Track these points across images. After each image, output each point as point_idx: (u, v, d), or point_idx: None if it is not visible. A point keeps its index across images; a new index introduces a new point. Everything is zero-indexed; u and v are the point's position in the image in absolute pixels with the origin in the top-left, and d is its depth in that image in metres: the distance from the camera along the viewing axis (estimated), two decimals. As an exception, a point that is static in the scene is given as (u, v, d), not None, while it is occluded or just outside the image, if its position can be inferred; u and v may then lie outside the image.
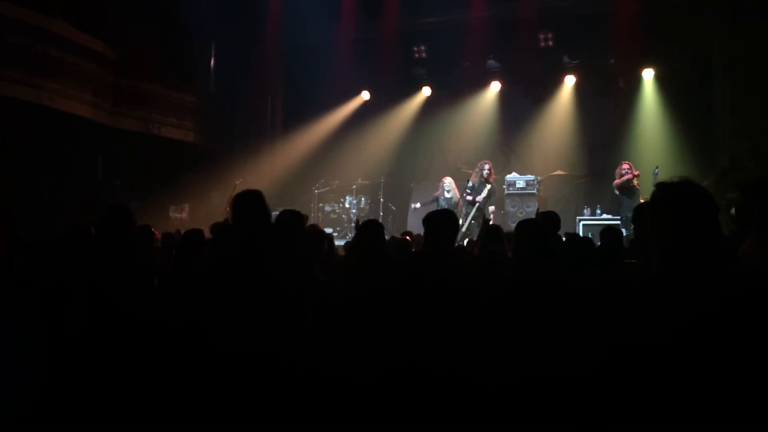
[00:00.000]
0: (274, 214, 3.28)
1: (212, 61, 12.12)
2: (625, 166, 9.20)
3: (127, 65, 10.38)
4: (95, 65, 9.74)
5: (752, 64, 9.12)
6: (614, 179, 9.39)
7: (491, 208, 9.68)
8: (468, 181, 9.72)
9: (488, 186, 9.59)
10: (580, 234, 9.11)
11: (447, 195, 9.82)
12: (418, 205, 10.28)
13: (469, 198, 9.57)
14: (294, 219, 3.57)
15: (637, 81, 10.60)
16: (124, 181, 10.40)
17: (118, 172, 10.43)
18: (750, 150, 9.05)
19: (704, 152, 9.53)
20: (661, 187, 2.12)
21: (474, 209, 9.43)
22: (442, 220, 3.32)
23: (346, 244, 6.37)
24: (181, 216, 10.12)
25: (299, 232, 3.62)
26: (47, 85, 8.86)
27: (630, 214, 6.87)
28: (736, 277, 1.98)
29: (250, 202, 3.01)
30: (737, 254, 2.57)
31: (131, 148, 10.44)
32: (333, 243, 5.04)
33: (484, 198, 9.51)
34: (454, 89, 12.11)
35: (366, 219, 4.49)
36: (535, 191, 10.34)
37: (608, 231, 4.50)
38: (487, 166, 9.77)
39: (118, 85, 10.37)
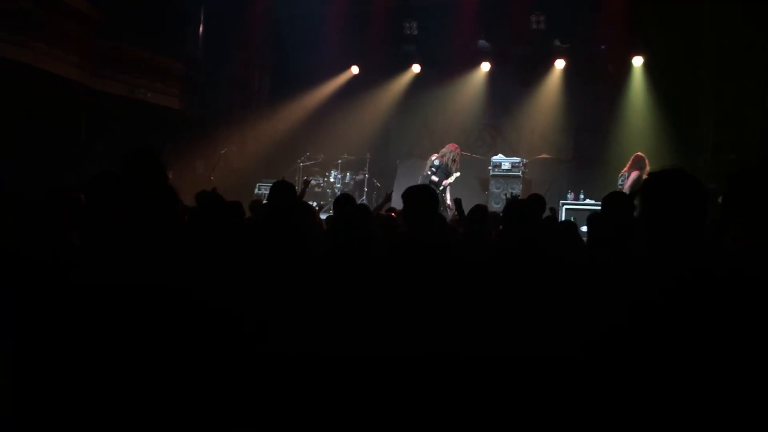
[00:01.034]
0: (265, 185, 3.33)
1: (201, 28, 11.94)
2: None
3: (112, 27, 10.20)
4: (79, 25, 9.57)
5: (738, 54, 9.15)
6: (601, 164, 9.48)
7: (447, 195, 9.76)
8: (434, 159, 9.81)
9: (457, 174, 9.70)
10: (563, 218, 9.21)
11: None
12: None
13: (435, 179, 9.63)
14: (292, 191, 3.62)
15: (626, 68, 10.60)
16: (106, 146, 10.27)
17: (100, 137, 10.29)
18: (732, 140, 9.12)
19: (689, 141, 9.61)
20: (652, 176, 2.16)
21: (437, 191, 9.51)
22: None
23: (327, 218, 6.36)
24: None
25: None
26: (30, 44, 8.69)
27: None
28: (715, 263, 2.03)
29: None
30: (722, 241, 2.62)
31: (115, 113, 10.30)
32: (318, 216, 5.06)
33: (449, 184, 9.65)
34: (444, 68, 12.03)
35: (348, 193, 4.56)
36: (520, 173, 10.39)
37: (595, 217, 4.53)
38: (457, 152, 9.91)
39: (103, 48, 10.20)
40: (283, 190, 3.71)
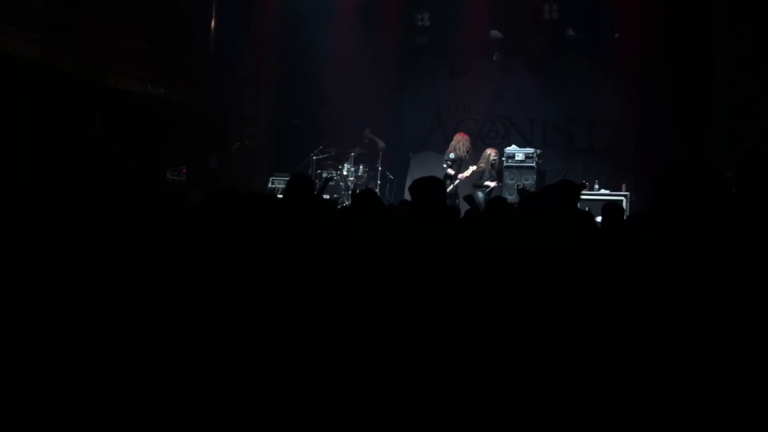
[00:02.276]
0: (278, 179, 3.31)
1: (213, 23, 11.95)
2: None
3: (124, 23, 10.23)
4: (91, 21, 9.60)
5: (754, 41, 9.04)
6: (615, 154, 9.43)
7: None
8: (450, 153, 9.87)
9: (473, 167, 9.71)
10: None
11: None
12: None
13: (451, 172, 9.69)
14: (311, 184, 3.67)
15: (640, 56, 10.50)
16: (121, 142, 10.31)
17: (114, 133, 10.34)
18: (749, 128, 9.02)
19: (705, 129, 9.52)
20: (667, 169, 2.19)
21: (453, 185, 9.56)
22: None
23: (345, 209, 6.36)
24: (178, 179, 10.07)
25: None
26: (41, 41, 8.74)
27: None
28: (732, 254, 2.02)
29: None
30: (741, 232, 2.60)
31: (128, 109, 10.34)
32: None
33: (465, 177, 9.68)
34: (456, 59, 12.00)
35: (364, 187, 4.53)
36: (534, 164, 10.34)
37: (610, 207, 4.50)
38: (466, 141, 9.99)
39: (115, 44, 10.23)
40: (301, 182, 3.69)
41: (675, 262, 2.09)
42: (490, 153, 10.05)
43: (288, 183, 3.72)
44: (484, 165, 9.91)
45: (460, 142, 9.98)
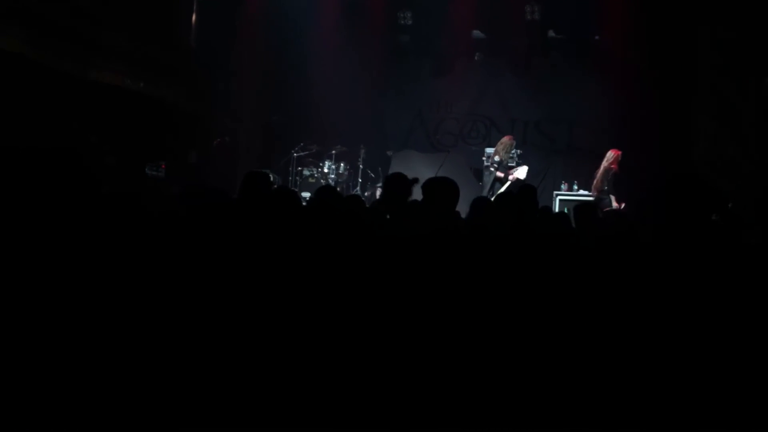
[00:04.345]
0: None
1: (193, 17, 11.86)
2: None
3: (103, 16, 10.12)
4: (69, 14, 9.49)
5: (735, 45, 9.15)
6: (595, 156, 9.48)
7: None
8: (495, 156, 9.80)
9: (525, 167, 9.62)
10: (556, 209, 9.24)
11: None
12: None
13: (500, 174, 9.63)
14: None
15: (622, 59, 10.59)
16: (100, 137, 10.21)
17: (94, 128, 10.23)
18: (729, 132, 9.14)
19: (685, 133, 9.63)
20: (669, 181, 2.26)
21: (507, 185, 9.50)
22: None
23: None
24: (157, 174, 9.99)
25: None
26: (18, 33, 8.62)
27: None
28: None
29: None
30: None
31: (108, 104, 10.23)
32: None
33: (515, 179, 9.52)
34: (438, 58, 12.03)
35: (344, 185, 4.56)
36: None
37: (582, 207, 4.55)
38: (511, 148, 9.97)
39: (94, 38, 10.12)
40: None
41: (660, 259, 2.14)
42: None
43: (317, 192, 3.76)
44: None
45: (502, 144, 9.95)
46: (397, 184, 4.04)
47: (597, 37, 10.88)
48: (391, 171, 11.31)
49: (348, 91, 11.55)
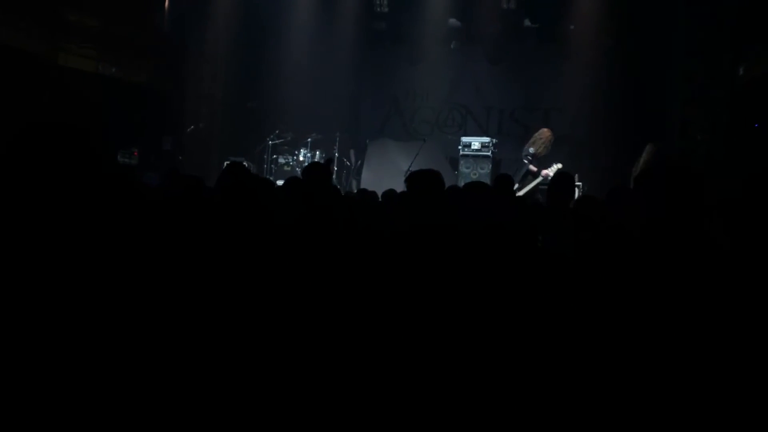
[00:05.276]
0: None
1: (167, 1, 11.67)
2: None
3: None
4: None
5: (707, 33, 9.22)
6: (571, 143, 9.51)
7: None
8: (530, 148, 9.44)
9: (558, 165, 9.08)
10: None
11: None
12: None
13: (534, 168, 9.27)
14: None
15: (596, 47, 10.64)
16: (71, 123, 10.00)
17: (64, 113, 10.04)
18: (700, 121, 9.23)
19: (658, 120, 9.72)
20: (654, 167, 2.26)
21: (537, 181, 9.16)
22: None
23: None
24: (130, 162, 9.85)
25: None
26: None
27: None
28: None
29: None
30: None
31: (80, 88, 10.05)
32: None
33: (547, 175, 9.11)
34: (414, 46, 12.00)
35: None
36: (489, 153, 10.44)
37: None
38: (549, 144, 9.53)
39: (65, 20, 9.92)
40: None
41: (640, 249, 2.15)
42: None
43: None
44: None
45: (542, 138, 9.51)
46: (317, 172, 4.04)
47: (572, 27, 10.92)
48: (367, 159, 11.30)
49: (324, 79, 11.49)
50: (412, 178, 3.20)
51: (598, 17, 10.35)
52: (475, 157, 10.46)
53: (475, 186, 3.50)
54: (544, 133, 9.58)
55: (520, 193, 8.90)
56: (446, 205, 3.29)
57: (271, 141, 11.10)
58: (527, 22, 11.30)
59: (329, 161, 5.66)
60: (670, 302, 1.95)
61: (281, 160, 11.00)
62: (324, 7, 11.49)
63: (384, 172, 10.54)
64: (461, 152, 10.52)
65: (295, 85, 11.46)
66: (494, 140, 10.64)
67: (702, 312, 1.89)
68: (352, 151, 11.63)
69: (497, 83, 11.61)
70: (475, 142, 10.54)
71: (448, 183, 4.77)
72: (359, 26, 11.71)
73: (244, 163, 8.51)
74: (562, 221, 3.98)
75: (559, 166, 9.05)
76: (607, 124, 9.80)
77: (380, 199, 5.64)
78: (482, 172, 10.18)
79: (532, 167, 9.29)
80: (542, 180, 9.08)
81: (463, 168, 10.47)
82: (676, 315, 1.92)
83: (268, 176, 10.44)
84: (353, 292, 2.64)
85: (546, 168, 9.16)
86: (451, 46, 11.86)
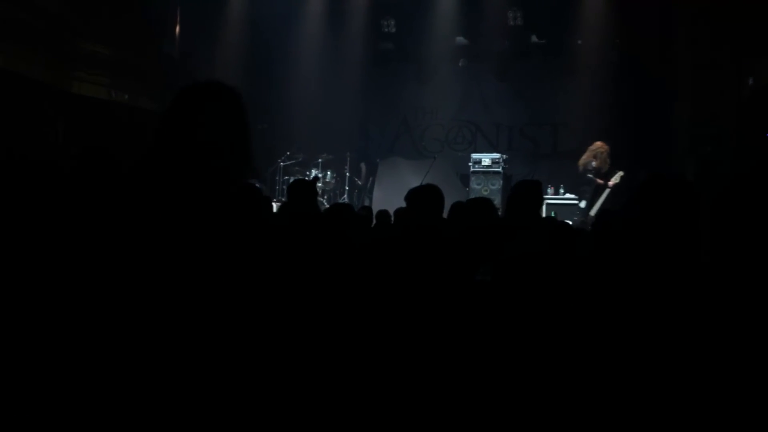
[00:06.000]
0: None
1: (177, 28, 11.83)
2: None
3: (86, 28, 10.08)
4: (52, 26, 9.45)
5: (713, 47, 9.24)
6: (577, 158, 9.52)
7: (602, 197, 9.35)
8: (592, 162, 9.40)
9: (621, 172, 9.18)
10: (543, 214, 9.27)
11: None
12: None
13: (600, 181, 9.27)
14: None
15: (603, 62, 10.68)
16: (81, 150, 10.10)
17: (77, 140, 10.16)
18: (708, 133, 9.21)
19: (666, 134, 9.71)
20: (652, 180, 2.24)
21: (606, 193, 9.17)
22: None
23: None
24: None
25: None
26: (2, 46, 8.58)
27: None
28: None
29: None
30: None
31: (92, 116, 10.17)
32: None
33: (614, 184, 9.18)
34: (422, 64, 12.09)
35: (331, 192, 4.58)
36: (500, 169, 10.44)
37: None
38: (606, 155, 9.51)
39: (77, 49, 10.08)
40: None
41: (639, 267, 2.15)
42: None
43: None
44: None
45: (601, 152, 9.45)
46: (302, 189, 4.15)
47: (579, 42, 10.96)
48: (378, 178, 11.34)
49: (333, 100, 11.57)
50: (410, 194, 3.27)
51: (604, 32, 10.39)
52: (486, 174, 10.47)
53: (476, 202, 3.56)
54: (600, 146, 9.50)
55: (595, 208, 8.94)
56: (440, 216, 3.32)
57: (283, 162, 11.17)
58: (534, 38, 11.36)
59: (315, 179, 5.74)
60: (645, 312, 1.97)
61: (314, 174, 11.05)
62: (331, 29, 11.60)
63: (395, 191, 10.56)
64: (472, 169, 10.53)
65: (304, 107, 11.55)
66: (505, 156, 10.65)
67: (680, 318, 1.91)
68: (363, 170, 11.69)
69: (505, 99, 11.67)
70: (486, 159, 10.55)
71: (459, 200, 4.76)
72: (367, 46, 11.81)
73: (257, 185, 8.57)
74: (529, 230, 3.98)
75: (621, 173, 9.14)
76: (615, 139, 9.79)
77: (392, 218, 5.67)
78: (493, 188, 10.18)
79: (599, 180, 9.29)
80: (610, 190, 9.12)
81: (474, 185, 10.47)
82: (651, 326, 1.93)
83: (280, 197, 10.49)
84: (332, 298, 2.67)
85: (609, 179, 9.21)
86: (459, 64, 11.93)
